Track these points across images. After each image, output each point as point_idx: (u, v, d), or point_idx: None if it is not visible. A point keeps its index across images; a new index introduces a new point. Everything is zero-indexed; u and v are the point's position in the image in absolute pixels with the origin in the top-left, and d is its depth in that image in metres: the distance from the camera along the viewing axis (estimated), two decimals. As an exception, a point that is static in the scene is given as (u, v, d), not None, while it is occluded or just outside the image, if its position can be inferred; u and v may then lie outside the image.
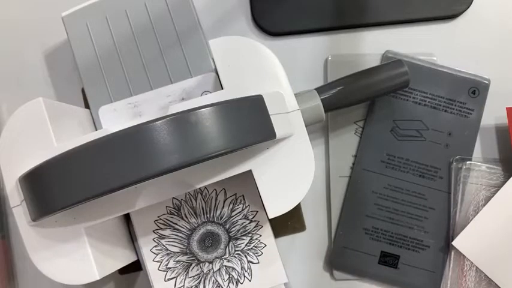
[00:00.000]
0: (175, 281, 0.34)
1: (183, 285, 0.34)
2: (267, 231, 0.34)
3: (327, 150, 0.39)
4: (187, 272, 0.34)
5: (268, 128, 0.28)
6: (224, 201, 0.34)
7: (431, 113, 0.38)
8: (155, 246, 0.34)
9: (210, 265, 0.34)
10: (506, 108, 0.37)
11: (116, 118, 0.34)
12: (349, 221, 0.38)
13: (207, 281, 0.34)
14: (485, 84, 0.38)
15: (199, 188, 0.34)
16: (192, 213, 0.34)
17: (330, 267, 0.38)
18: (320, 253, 0.38)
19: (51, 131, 0.29)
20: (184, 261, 0.34)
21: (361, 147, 0.38)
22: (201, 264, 0.34)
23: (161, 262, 0.34)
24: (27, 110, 0.29)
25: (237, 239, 0.34)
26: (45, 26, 0.40)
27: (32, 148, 0.29)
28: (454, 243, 0.37)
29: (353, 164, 0.38)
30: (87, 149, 0.24)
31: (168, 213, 0.34)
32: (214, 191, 0.34)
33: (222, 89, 0.31)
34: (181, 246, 0.34)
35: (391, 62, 0.35)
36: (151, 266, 0.34)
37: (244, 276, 0.34)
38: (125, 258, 0.34)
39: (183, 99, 0.34)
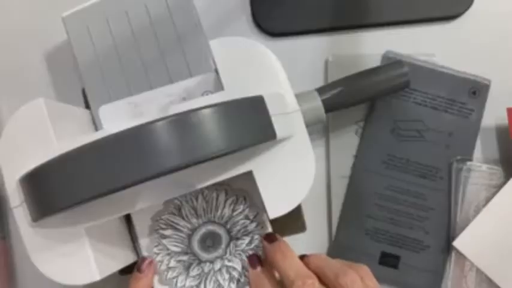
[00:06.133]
0: (176, 281, 0.34)
1: (184, 285, 0.34)
2: (267, 232, 0.34)
3: (328, 150, 0.39)
4: (188, 272, 0.34)
5: (268, 129, 0.28)
6: (225, 202, 0.34)
7: (431, 113, 0.38)
8: (156, 246, 0.34)
9: (211, 265, 0.34)
10: (507, 108, 0.37)
11: (116, 117, 0.34)
12: (349, 222, 0.38)
13: (207, 281, 0.34)
14: (486, 84, 0.38)
15: (200, 188, 0.34)
16: (193, 213, 0.34)
17: (330, 268, 0.38)
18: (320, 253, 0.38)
19: (51, 132, 0.29)
20: (185, 261, 0.34)
21: (362, 147, 0.38)
22: (202, 264, 0.34)
23: (162, 262, 0.34)
24: (27, 111, 0.29)
25: (237, 239, 0.34)
26: (45, 26, 0.40)
27: (33, 149, 0.29)
28: (454, 243, 0.37)
29: (353, 164, 0.38)
30: (87, 150, 0.24)
31: (169, 213, 0.34)
32: (215, 191, 0.34)
33: (223, 89, 0.31)
34: (182, 246, 0.34)
35: (391, 62, 0.35)
36: (151, 266, 0.34)
37: (245, 276, 0.34)
38: (125, 258, 0.34)
39: (184, 98, 0.34)
